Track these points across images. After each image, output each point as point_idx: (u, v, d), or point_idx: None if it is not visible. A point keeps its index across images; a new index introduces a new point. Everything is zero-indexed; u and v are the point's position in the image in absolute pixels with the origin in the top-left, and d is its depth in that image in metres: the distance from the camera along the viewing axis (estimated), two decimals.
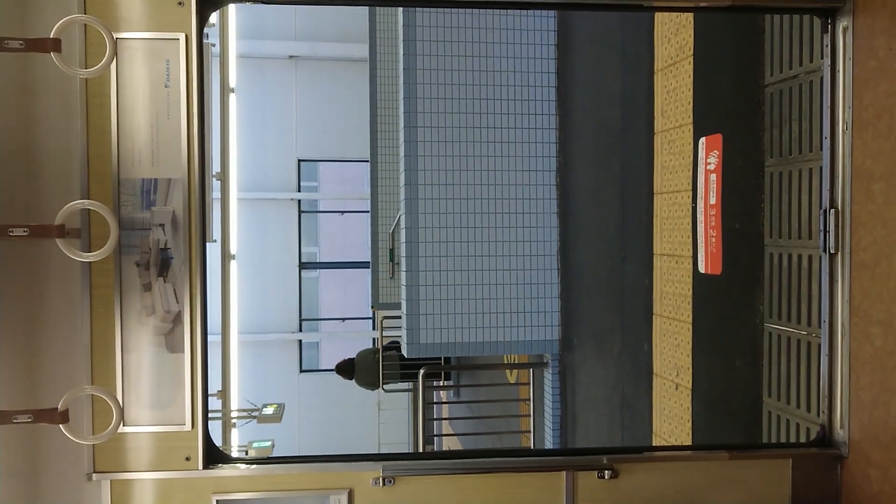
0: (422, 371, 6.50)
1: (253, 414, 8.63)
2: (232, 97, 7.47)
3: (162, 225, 2.46)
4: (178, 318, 2.48)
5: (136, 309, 2.46)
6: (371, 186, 9.19)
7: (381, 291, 9.28)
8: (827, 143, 2.69)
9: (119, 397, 2.45)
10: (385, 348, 8.45)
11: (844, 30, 2.63)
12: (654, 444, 4.67)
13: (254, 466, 2.55)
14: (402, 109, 5.90)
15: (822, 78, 2.72)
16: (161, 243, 2.46)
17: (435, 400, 9.16)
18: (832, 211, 2.69)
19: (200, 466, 2.50)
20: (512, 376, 7.37)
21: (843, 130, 2.65)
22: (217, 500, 2.52)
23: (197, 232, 2.48)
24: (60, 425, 2.20)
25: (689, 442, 4.32)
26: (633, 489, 2.65)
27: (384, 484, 2.56)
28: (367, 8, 8.78)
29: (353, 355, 9.09)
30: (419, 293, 5.91)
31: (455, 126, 5.98)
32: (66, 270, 2.41)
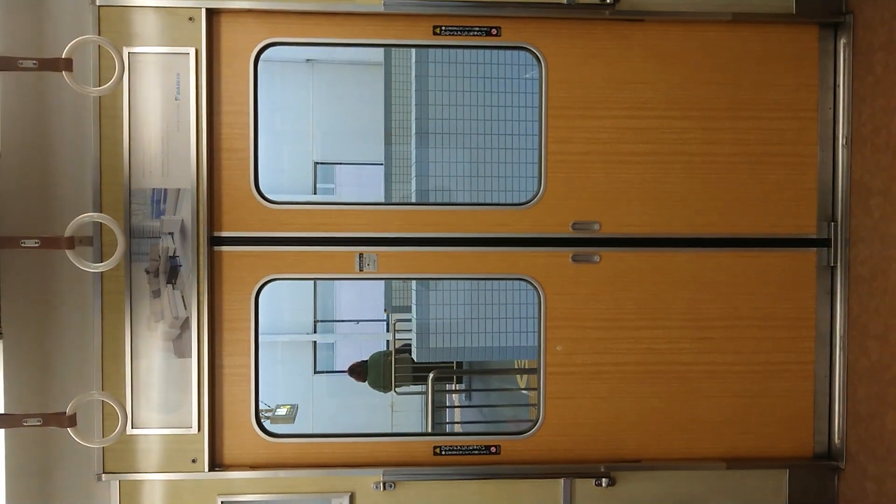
0: (430, 375, 6.54)
1: (266, 415, 8.72)
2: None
3: (171, 233, 2.54)
4: (185, 324, 2.55)
5: (145, 315, 2.54)
6: (385, 190, 9.23)
7: (395, 294, 9.32)
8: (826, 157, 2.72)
9: (128, 400, 2.52)
10: (398, 351, 8.50)
11: (844, 45, 2.65)
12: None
13: (258, 470, 2.62)
14: (413, 115, 5.95)
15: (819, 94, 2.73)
16: (170, 251, 2.54)
17: (447, 403, 9.18)
18: (831, 224, 2.71)
19: (206, 468, 2.57)
20: (522, 381, 7.40)
21: (841, 145, 2.67)
22: (222, 502, 2.59)
23: (204, 240, 2.55)
24: (68, 429, 2.27)
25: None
26: (630, 497, 2.68)
27: (385, 488, 2.62)
28: None
29: (367, 357, 9.15)
30: (429, 297, 5.95)
31: (466, 133, 6.02)
32: (79, 277, 2.49)
